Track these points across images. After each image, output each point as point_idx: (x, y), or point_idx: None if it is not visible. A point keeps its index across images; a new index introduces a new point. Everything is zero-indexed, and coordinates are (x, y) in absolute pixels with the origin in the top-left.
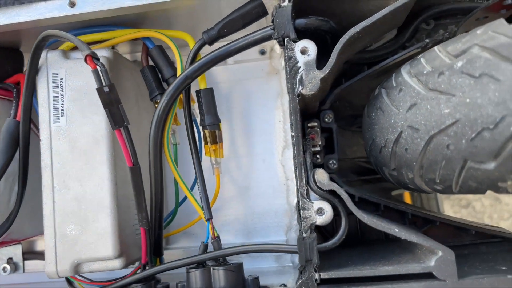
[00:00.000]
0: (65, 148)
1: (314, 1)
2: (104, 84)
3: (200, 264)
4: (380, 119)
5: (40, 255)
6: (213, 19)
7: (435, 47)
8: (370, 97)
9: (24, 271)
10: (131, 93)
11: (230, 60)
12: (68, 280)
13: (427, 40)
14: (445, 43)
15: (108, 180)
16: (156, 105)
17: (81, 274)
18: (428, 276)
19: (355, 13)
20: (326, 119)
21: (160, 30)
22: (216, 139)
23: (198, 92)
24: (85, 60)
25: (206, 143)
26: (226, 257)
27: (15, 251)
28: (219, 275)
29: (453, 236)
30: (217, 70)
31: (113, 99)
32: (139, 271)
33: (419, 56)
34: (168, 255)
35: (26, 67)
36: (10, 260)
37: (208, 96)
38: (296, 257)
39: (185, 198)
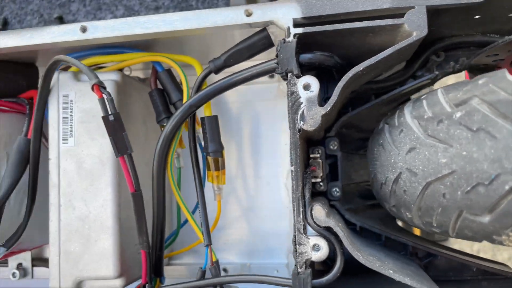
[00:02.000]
0: (72, 168)
1: (320, 36)
2: (109, 112)
3: None
4: (381, 156)
5: (46, 263)
6: (224, 45)
7: (438, 90)
8: (374, 130)
9: (32, 277)
10: (139, 114)
11: None
12: None
13: (437, 72)
14: (448, 88)
15: (112, 201)
16: (162, 129)
17: None
18: None
19: (363, 46)
20: (331, 147)
21: (168, 55)
22: (218, 166)
23: (202, 119)
24: (92, 89)
25: (209, 169)
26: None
27: (25, 257)
28: None
29: (455, 270)
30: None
31: (118, 128)
32: None
33: (423, 97)
34: (171, 271)
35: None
36: (19, 266)
37: (212, 124)
38: None
39: (187, 220)
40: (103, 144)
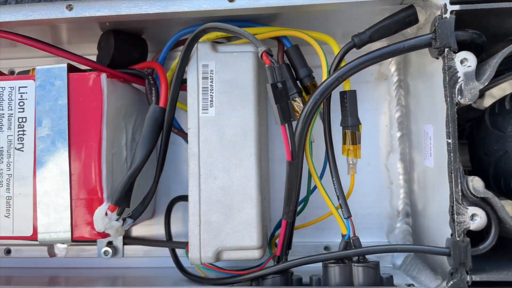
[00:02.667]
0: (213, 139)
1: (470, 14)
2: (276, 80)
3: (339, 260)
4: None
5: (136, 241)
6: (346, 24)
7: None
8: (496, 109)
9: (123, 255)
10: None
11: None
12: (180, 267)
13: None
14: None
15: (255, 172)
16: (294, 102)
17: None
18: None
19: (503, 26)
20: None
21: (304, 31)
22: (355, 140)
23: (343, 93)
24: (261, 56)
25: (344, 143)
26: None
27: None
28: (358, 271)
29: None
30: None
31: (284, 95)
32: (270, 263)
33: None
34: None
35: (178, 58)
36: (110, 244)
37: (353, 98)
38: (397, 259)
39: (315, 187)
40: (246, 114)
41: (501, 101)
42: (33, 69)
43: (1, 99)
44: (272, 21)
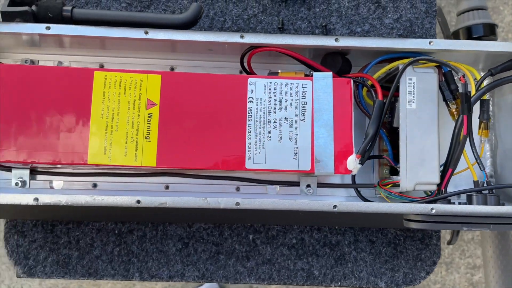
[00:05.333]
0: (414, 120)
1: None
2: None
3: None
4: None
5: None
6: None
7: None
8: None
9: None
10: None
11: None
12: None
13: None
14: None
15: (436, 141)
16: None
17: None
18: None
19: None
20: None
21: (459, 63)
22: (487, 127)
23: (483, 101)
24: (459, 78)
25: (479, 128)
26: None
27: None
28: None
29: None
30: None
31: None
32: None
33: None
34: None
35: None
36: None
37: (487, 105)
38: None
39: None
40: (431, 108)
41: None
42: (295, 72)
43: (292, 89)
44: (431, 53)
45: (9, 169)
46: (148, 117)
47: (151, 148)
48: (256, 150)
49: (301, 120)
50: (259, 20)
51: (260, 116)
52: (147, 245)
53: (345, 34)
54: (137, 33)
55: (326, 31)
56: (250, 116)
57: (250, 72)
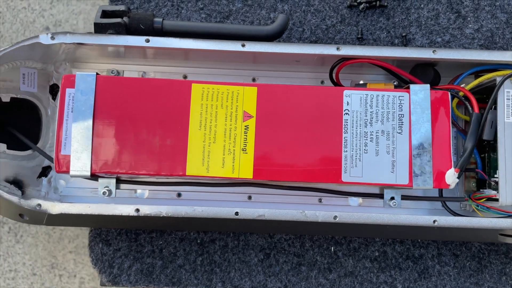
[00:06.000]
0: (510, 133)
1: None
2: None
3: None
4: None
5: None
6: None
7: None
8: None
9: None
10: None
11: None
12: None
13: None
14: None
15: None
16: None
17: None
18: None
19: None
20: None
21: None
22: None
23: None
24: None
25: None
26: None
27: None
28: None
29: None
30: None
31: None
32: None
33: None
34: None
35: None
36: None
37: None
38: None
39: None
40: None
41: None
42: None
43: (388, 101)
44: None
45: (95, 178)
46: (245, 129)
47: (247, 160)
48: (352, 163)
49: (398, 133)
50: (338, 30)
51: (356, 128)
52: (229, 255)
53: (425, 44)
54: (234, 46)
55: (406, 41)
56: (346, 129)
57: (338, 84)
